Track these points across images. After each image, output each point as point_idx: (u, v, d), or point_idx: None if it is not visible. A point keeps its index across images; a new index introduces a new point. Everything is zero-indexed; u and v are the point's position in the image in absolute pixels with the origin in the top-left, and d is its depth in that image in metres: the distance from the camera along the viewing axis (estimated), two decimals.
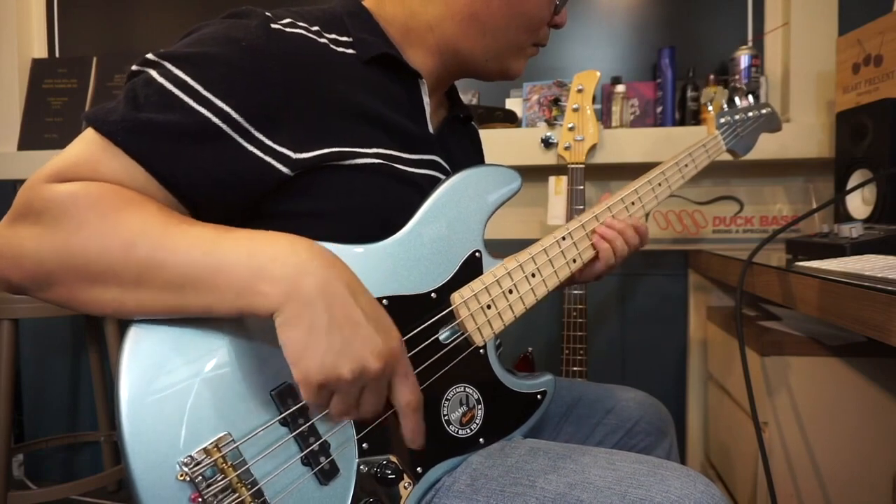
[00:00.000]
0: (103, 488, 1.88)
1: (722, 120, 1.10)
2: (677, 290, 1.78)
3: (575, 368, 1.42)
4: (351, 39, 0.70)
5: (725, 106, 1.12)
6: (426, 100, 0.76)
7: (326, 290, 0.52)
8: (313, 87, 0.63)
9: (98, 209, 0.52)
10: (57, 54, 2.04)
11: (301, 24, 0.66)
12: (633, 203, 0.88)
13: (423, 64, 0.76)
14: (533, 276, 0.76)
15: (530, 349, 1.68)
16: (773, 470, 1.01)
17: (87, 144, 0.56)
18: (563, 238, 0.79)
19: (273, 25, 0.62)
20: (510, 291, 0.73)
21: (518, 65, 0.79)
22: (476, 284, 0.71)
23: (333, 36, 0.69)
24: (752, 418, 0.98)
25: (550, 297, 1.78)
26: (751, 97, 1.17)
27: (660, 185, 0.92)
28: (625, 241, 0.85)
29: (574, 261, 0.80)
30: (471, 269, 0.71)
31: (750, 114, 1.15)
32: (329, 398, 0.53)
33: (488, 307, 0.72)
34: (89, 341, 1.83)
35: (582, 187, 1.43)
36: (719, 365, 1.55)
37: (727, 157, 1.14)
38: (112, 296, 0.52)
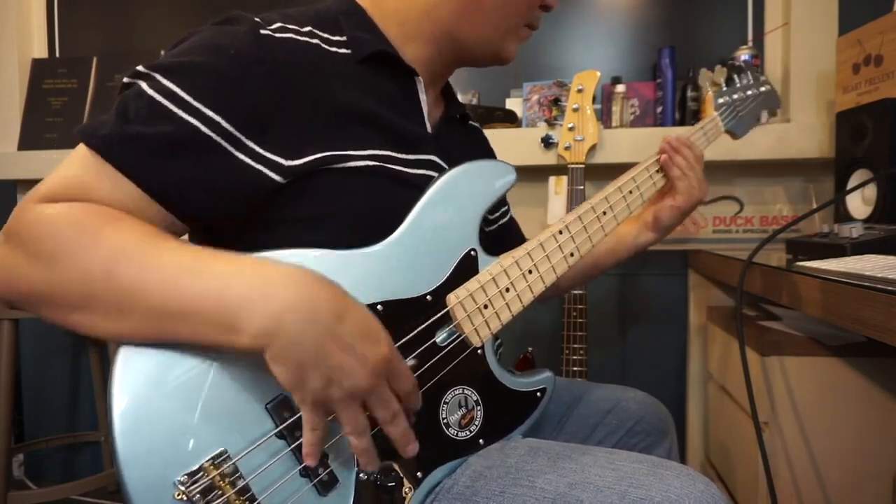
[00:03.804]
0: (103, 488, 1.87)
1: (721, 100, 1.07)
2: (677, 291, 1.78)
3: (575, 368, 1.42)
4: (345, 38, 0.70)
5: (724, 85, 1.10)
6: (423, 97, 0.76)
7: (310, 322, 0.51)
8: (304, 90, 0.63)
9: (81, 235, 0.52)
10: (57, 54, 2.04)
11: (291, 26, 0.65)
12: (630, 192, 0.88)
13: (419, 57, 0.76)
14: (530, 272, 0.74)
15: (531, 349, 1.68)
16: (773, 470, 1.01)
17: (79, 163, 0.57)
18: (560, 232, 0.78)
19: (262, 31, 0.62)
20: (507, 290, 0.72)
21: (512, 48, 0.79)
22: (472, 284, 0.70)
23: (326, 35, 0.68)
24: (753, 418, 0.98)
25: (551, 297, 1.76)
26: (750, 74, 1.13)
27: (657, 171, 0.94)
28: (682, 157, 0.93)
29: (572, 255, 0.78)
30: (466, 268, 0.70)
31: (749, 92, 1.11)
32: (327, 414, 0.54)
33: (485, 307, 0.70)
34: (89, 342, 1.83)
35: (582, 187, 1.43)
36: (719, 365, 1.55)
37: (724, 142, 1.13)
38: (97, 322, 0.52)
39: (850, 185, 1.29)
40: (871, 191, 1.24)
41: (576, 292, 1.42)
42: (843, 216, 1.30)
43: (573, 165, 1.44)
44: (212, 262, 0.54)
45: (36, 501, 1.52)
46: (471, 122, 0.94)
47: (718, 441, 1.57)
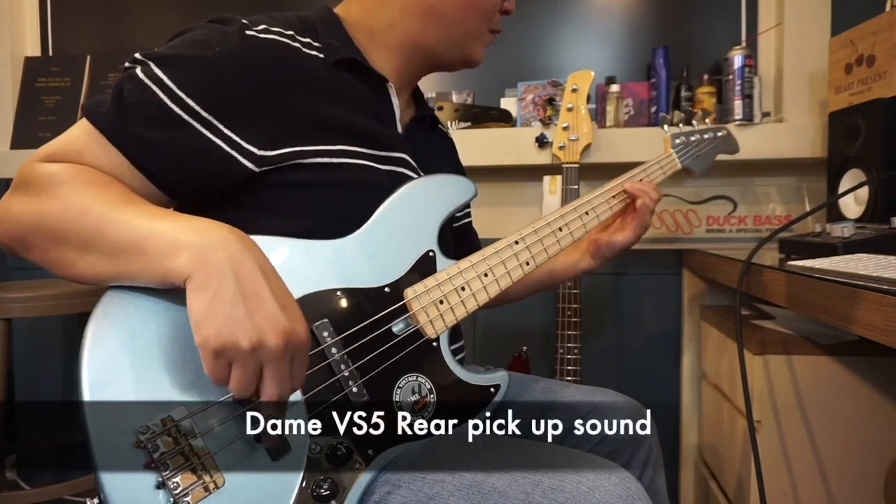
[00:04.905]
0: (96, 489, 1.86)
1: (677, 141, 1.14)
2: (671, 290, 1.79)
3: (569, 367, 1.42)
4: (320, 45, 0.75)
5: (682, 126, 1.16)
6: (395, 101, 0.81)
7: (236, 265, 0.55)
8: (281, 88, 0.69)
9: (69, 184, 0.61)
10: (50, 52, 2.02)
11: (275, 28, 0.72)
12: (586, 213, 0.93)
13: (390, 64, 0.82)
14: (485, 275, 0.79)
15: (525, 348, 1.68)
16: (766, 468, 1.02)
17: (79, 132, 0.65)
18: (517, 242, 0.84)
19: (248, 32, 0.69)
20: (462, 288, 0.77)
21: (478, 52, 0.85)
22: (429, 281, 0.75)
23: (308, 40, 0.74)
24: (747, 417, 0.98)
25: (545, 295, 1.78)
26: (707, 120, 1.22)
27: (614, 197, 0.99)
28: (649, 199, 0.97)
29: (527, 263, 0.84)
30: (424, 267, 0.76)
31: (706, 136, 1.18)
32: (227, 370, 0.55)
33: (441, 302, 0.75)
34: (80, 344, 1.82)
35: (576, 187, 1.43)
36: (713, 364, 1.56)
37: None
38: (69, 256, 0.60)
39: (842, 185, 1.30)
40: (863, 191, 1.24)
41: (570, 291, 1.43)
42: (836, 216, 1.31)
43: (567, 165, 1.44)
44: (169, 213, 0.61)
45: (29, 502, 1.51)
46: (439, 125, 1.00)
47: (712, 440, 1.58)
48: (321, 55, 0.74)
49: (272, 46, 0.70)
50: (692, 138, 1.15)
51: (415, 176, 0.82)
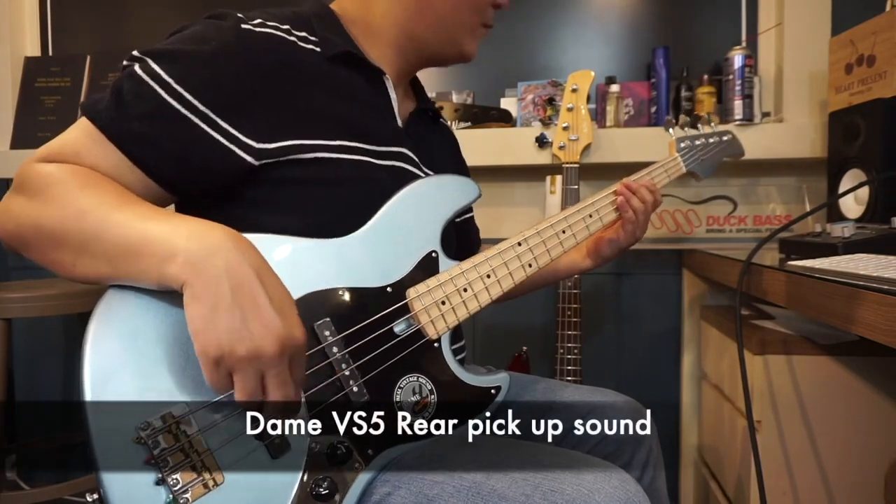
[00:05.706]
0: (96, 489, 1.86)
1: (682, 144, 1.13)
2: (671, 290, 1.79)
3: (569, 367, 1.42)
4: (317, 39, 0.76)
5: (687, 130, 1.16)
6: (392, 94, 0.81)
7: (232, 271, 0.55)
8: (277, 81, 0.69)
9: (66, 185, 0.61)
10: (50, 52, 2.03)
11: (271, 23, 0.72)
12: (590, 215, 0.93)
13: (386, 58, 0.82)
14: (488, 276, 0.79)
15: (525, 348, 1.68)
16: (766, 468, 1.02)
17: (78, 131, 0.66)
18: (519, 244, 0.83)
19: (244, 26, 0.70)
20: (465, 290, 0.77)
21: (471, 46, 0.86)
22: (431, 281, 0.75)
23: (303, 34, 0.75)
24: (747, 417, 0.98)
25: (545, 296, 1.78)
26: (713, 124, 1.21)
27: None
28: (639, 199, 0.96)
29: (530, 265, 0.84)
30: (427, 267, 0.76)
31: (711, 140, 1.18)
32: (228, 379, 0.55)
33: (442, 303, 0.75)
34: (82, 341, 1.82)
35: (576, 187, 1.43)
36: (713, 364, 1.56)
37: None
38: (67, 258, 0.60)
39: (842, 185, 1.30)
40: (863, 191, 1.24)
41: (570, 291, 1.43)
42: (836, 216, 1.31)
43: (567, 165, 1.44)
44: (166, 214, 0.61)
45: (29, 502, 1.51)
46: (441, 119, 1.00)
47: (712, 440, 1.58)
48: (318, 49, 0.75)
49: (268, 40, 0.70)
50: (697, 142, 1.15)
51: (415, 170, 0.82)
